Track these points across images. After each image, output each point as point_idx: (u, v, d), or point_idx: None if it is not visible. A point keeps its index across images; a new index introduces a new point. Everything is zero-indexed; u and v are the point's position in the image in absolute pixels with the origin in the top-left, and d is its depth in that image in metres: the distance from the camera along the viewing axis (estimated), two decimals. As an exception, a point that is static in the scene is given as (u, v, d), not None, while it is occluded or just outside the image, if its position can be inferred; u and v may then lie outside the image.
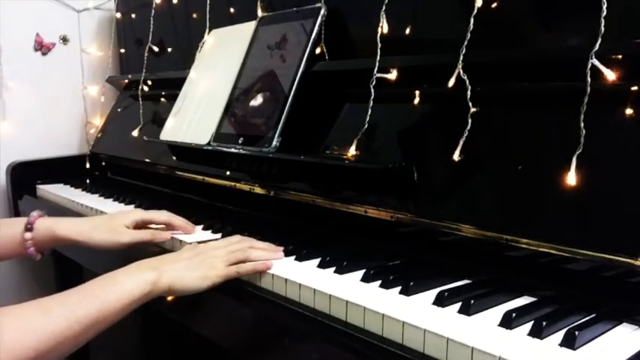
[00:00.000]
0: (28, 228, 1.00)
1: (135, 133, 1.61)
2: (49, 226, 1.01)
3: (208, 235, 1.07)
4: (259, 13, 1.28)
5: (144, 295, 0.79)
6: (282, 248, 0.92)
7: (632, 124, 0.70)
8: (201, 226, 1.11)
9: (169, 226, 1.07)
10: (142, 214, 1.06)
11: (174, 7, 1.62)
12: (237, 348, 0.91)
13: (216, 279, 0.85)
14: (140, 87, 1.66)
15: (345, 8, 1.11)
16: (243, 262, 0.87)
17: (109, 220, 1.04)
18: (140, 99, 1.65)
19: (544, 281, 0.75)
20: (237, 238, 0.94)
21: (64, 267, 1.79)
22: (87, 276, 1.80)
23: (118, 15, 1.89)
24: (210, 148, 1.23)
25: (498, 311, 0.68)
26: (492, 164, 0.82)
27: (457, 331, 0.62)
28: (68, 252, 1.48)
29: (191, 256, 0.88)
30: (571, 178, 0.70)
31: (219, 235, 1.05)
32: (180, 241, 1.04)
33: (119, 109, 1.83)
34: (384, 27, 0.98)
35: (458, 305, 0.70)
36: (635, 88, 0.70)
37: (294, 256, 0.90)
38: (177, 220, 1.07)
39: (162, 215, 1.07)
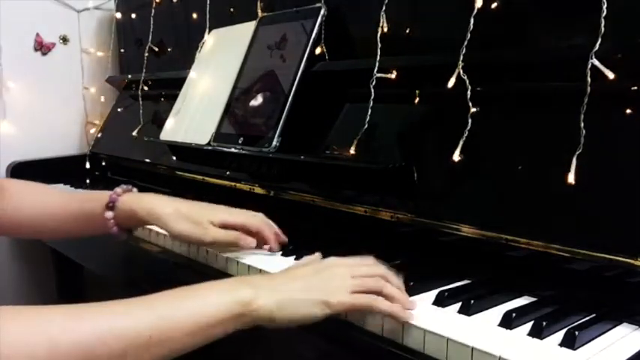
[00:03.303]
0: (110, 206, 0.90)
1: (135, 133, 1.61)
2: (130, 206, 0.90)
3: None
4: (259, 13, 1.28)
5: (231, 317, 0.61)
6: (415, 302, 0.70)
7: (632, 124, 0.70)
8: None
9: (258, 235, 0.91)
10: (234, 218, 0.90)
11: (174, 7, 1.62)
12: (237, 348, 0.91)
13: (339, 307, 0.66)
14: (140, 87, 1.66)
15: (345, 8, 1.11)
16: (375, 293, 0.67)
17: (196, 211, 0.89)
18: (140, 99, 1.65)
19: (544, 281, 0.75)
20: (370, 260, 0.73)
21: (64, 267, 1.79)
22: (87, 276, 1.81)
23: (118, 15, 1.89)
24: (210, 148, 1.23)
25: (498, 311, 0.68)
26: (492, 164, 0.82)
27: (457, 331, 0.62)
28: (68, 252, 1.48)
29: (309, 273, 0.69)
30: (571, 178, 0.70)
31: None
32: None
33: (119, 109, 1.83)
34: (384, 27, 0.98)
35: (458, 305, 0.70)
36: (635, 88, 0.70)
37: (294, 256, 0.90)
38: (270, 229, 0.92)
39: (255, 220, 0.91)
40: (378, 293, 0.67)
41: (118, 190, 0.92)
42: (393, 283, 0.69)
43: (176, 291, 0.62)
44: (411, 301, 0.69)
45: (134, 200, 0.91)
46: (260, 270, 0.85)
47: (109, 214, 0.90)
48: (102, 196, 0.92)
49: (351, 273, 0.69)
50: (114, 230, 0.91)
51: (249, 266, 0.87)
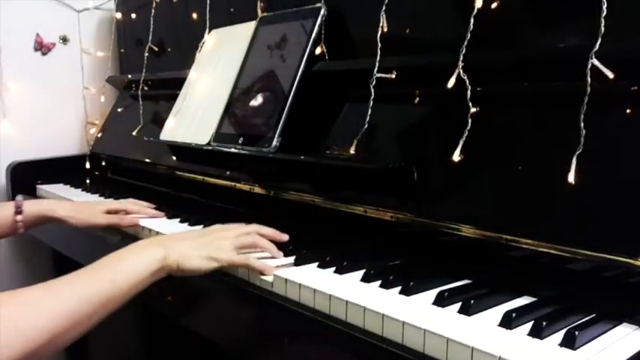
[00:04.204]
0: (19, 211, 1.12)
1: (135, 133, 1.61)
2: (36, 208, 1.15)
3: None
4: (259, 13, 1.28)
5: (153, 272, 0.79)
6: (287, 237, 0.94)
7: (632, 124, 0.70)
8: (201, 226, 1.11)
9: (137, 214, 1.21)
10: (115, 204, 1.21)
11: (174, 7, 1.62)
12: (237, 348, 0.91)
13: (223, 262, 0.85)
14: (140, 87, 1.66)
15: (345, 8, 1.11)
16: (251, 247, 0.89)
17: (88, 205, 1.22)
18: (140, 99, 1.65)
19: (544, 281, 0.75)
20: (243, 225, 0.94)
21: (64, 267, 1.79)
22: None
23: (118, 15, 1.89)
24: (210, 148, 1.23)
25: (498, 311, 0.68)
26: (492, 164, 0.82)
27: (457, 331, 0.62)
28: (68, 252, 1.48)
29: (198, 235, 0.89)
30: (571, 178, 0.70)
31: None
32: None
33: (119, 109, 1.83)
34: (384, 27, 0.98)
35: (458, 305, 0.70)
36: (635, 88, 0.70)
37: (294, 256, 0.90)
38: (141, 207, 1.21)
39: (129, 204, 1.21)
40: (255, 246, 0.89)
41: (19, 197, 1.15)
42: (264, 233, 0.91)
43: (107, 262, 0.78)
44: (278, 252, 0.90)
45: (38, 204, 1.17)
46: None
47: (19, 217, 1.12)
48: (5, 205, 1.14)
49: (232, 234, 0.88)
50: (21, 231, 1.13)
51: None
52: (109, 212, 1.18)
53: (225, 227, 0.92)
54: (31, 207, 1.15)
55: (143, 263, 0.79)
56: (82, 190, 1.62)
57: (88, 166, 1.83)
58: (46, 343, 0.67)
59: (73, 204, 1.22)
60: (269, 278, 0.83)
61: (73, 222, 1.15)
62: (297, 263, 0.88)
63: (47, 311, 0.69)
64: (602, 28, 0.70)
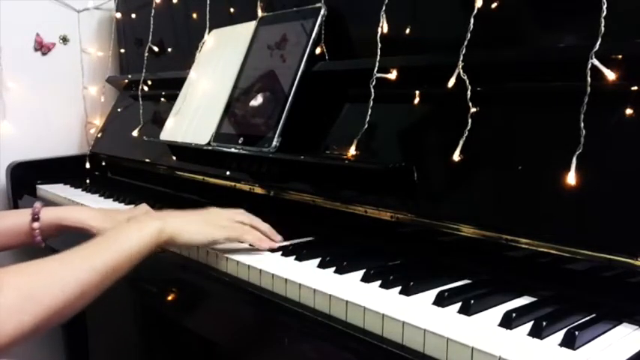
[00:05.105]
0: (35, 218, 1.04)
1: (135, 133, 1.61)
2: (53, 215, 1.06)
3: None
4: (259, 13, 1.28)
5: (152, 241, 0.84)
6: (280, 238, 0.96)
7: (632, 124, 0.70)
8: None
9: None
10: (134, 212, 1.13)
11: (174, 7, 1.62)
12: (237, 348, 0.91)
13: (219, 236, 0.90)
14: (140, 87, 1.66)
15: (345, 8, 1.11)
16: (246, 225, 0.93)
17: (111, 213, 1.13)
18: (140, 99, 1.65)
19: (544, 281, 0.75)
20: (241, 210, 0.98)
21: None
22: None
23: (118, 15, 1.89)
24: (210, 148, 1.23)
25: (498, 311, 0.68)
26: (492, 164, 0.82)
27: (457, 331, 0.62)
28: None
29: (195, 213, 0.94)
30: (571, 178, 0.70)
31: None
32: None
33: (119, 109, 1.83)
34: (384, 27, 0.98)
35: (458, 305, 0.70)
36: (635, 88, 0.70)
37: (294, 256, 0.90)
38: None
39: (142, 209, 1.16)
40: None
41: (37, 204, 1.06)
42: (259, 223, 0.95)
43: (110, 234, 0.83)
44: (273, 237, 0.95)
45: (56, 211, 1.07)
46: (260, 270, 0.85)
47: (36, 224, 1.04)
48: (22, 211, 1.07)
49: (228, 214, 0.94)
50: (38, 239, 1.05)
51: (248, 266, 0.87)
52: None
53: (221, 210, 0.96)
54: (50, 214, 1.05)
55: (142, 235, 0.84)
56: (82, 190, 1.62)
57: (88, 166, 1.82)
58: (59, 311, 0.71)
59: (96, 211, 1.10)
60: (268, 278, 0.83)
61: (93, 231, 1.03)
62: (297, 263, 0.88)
63: (60, 280, 0.72)
64: (602, 28, 0.70)
